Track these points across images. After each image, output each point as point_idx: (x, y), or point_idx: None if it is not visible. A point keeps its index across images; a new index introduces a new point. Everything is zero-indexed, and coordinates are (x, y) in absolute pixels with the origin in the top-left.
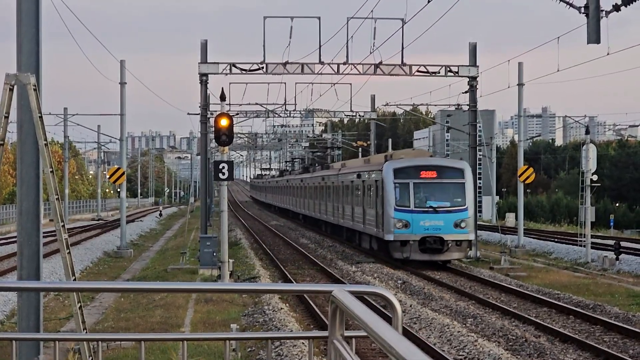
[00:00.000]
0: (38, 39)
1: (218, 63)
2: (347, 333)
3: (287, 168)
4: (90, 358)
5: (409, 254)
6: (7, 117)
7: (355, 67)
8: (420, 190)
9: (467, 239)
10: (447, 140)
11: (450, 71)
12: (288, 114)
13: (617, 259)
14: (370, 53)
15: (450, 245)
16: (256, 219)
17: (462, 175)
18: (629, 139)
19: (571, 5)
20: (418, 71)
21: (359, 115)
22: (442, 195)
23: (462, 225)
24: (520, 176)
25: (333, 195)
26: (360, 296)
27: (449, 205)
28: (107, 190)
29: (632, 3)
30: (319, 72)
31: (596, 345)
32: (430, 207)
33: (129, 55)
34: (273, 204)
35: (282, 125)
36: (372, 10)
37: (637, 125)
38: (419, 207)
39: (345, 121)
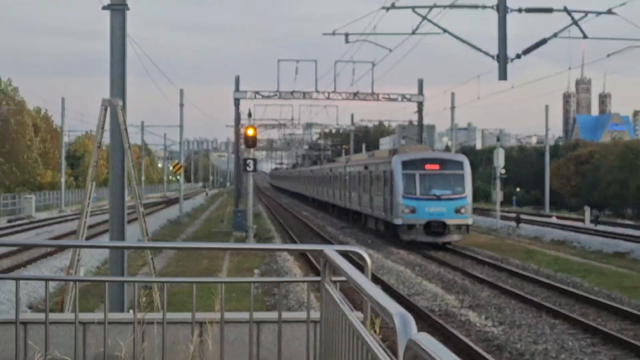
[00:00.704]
0: (124, 74)
1: (246, 91)
2: (333, 278)
3: (298, 162)
4: (158, 293)
5: (415, 236)
6: (103, 128)
7: (340, 94)
8: (425, 179)
9: (466, 223)
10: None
11: (405, 98)
12: (294, 126)
13: (517, 226)
14: (351, 85)
15: (451, 228)
16: (272, 199)
17: (462, 167)
18: (526, 145)
19: (487, 54)
20: (383, 97)
21: (343, 128)
22: (444, 184)
23: (462, 211)
24: None
25: (340, 184)
26: (342, 251)
27: (450, 193)
28: (170, 177)
29: (529, 53)
30: (315, 97)
31: (502, 286)
32: (434, 195)
33: (185, 84)
34: (288, 189)
35: (290, 134)
36: (352, 56)
37: (531, 136)
38: (424, 194)
39: (333, 131)
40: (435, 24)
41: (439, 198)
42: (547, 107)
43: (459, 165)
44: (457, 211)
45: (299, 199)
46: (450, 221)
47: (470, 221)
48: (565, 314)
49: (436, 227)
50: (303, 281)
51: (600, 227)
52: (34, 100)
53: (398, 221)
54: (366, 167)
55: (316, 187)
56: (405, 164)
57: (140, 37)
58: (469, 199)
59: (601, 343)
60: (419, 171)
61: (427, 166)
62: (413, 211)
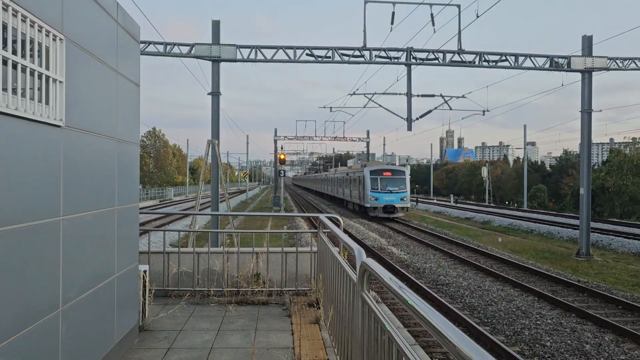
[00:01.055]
0: (218, 127)
1: (280, 136)
2: (324, 230)
3: (306, 172)
4: (235, 240)
5: (377, 213)
6: (207, 154)
7: (327, 137)
8: (383, 181)
9: (407, 206)
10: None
11: (360, 139)
12: (304, 153)
13: (416, 204)
14: (333, 133)
15: (398, 209)
16: (293, 191)
17: (404, 174)
18: (421, 163)
19: (401, 117)
20: (349, 139)
21: (329, 155)
22: (394, 184)
23: (404, 199)
24: None
25: (331, 183)
26: (329, 217)
27: (397, 189)
28: (241, 179)
29: (422, 117)
30: (315, 139)
31: (409, 234)
32: (388, 190)
33: (249, 132)
34: (302, 186)
35: (302, 157)
36: (333, 119)
37: (424, 159)
38: (382, 189)
39: (324, 156)
40: (375, 102)
41: (391, 192)
42: (431, 144)
43: (403, 172)
44: (402, 199)
45: (307, 191)
46: (397, 205)
47: (409, 205)
48: (440, 248)
49: (390, 208)
50: (308, 232)
51: (458, 205)
52: (173, 140)
53: (367, 205)
54: (347, 174)
55: (316, 184)
56: (372, 172)
57: (227, 107)
58: (408, 192)
59: (459, 263)
60: (379, 176)
61: (384, 173)
62: (376, 199)
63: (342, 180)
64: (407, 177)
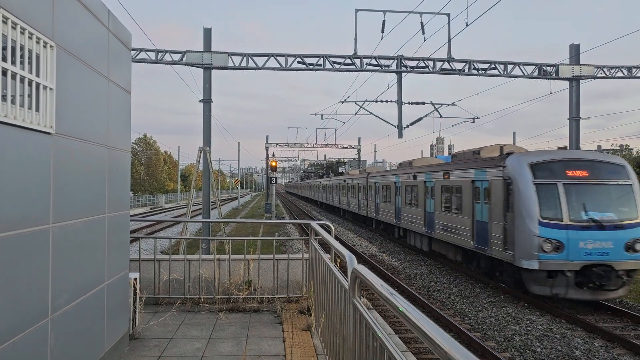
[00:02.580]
0: (209, 134)
1: (271, 143)
2: (315, 237)
3: (300, 179)
4: (228, 246)
5: (563, 290)
6: (199, 161)
7: (319, 145)
8: (573, 193)
9: None
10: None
11: (352, 146)
12: (296, 160)
13: None
14: (324, 140)
15: (622, 276)
16: (285, 197)
17: (627, 175)
18: None
19: (392, 124)
20: (340, 146)
21: (320, 162)
22: (605, 201)
23: (638, 247)
24: None
25: (357, 193)
26: (320, 224)
27: (615, 216)
28: (232, 186)
29: (413, 124)
30: (306, 146)
31: (399, 241)
32: (591, 218)
33: (241, 138)
34: (297, 194)
35: (294, 164)
36: (324, 126)
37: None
38: (575, 219)
39: (315, 163)
40: (366, 109)
41: (601, 224)
42: (422, 151)
43: (622, 171)
44: (631, 247)
45: (298, 198)
46: (620, 264)
47: None
48: (431, 255)
49: (600, 275)
50: (300, 239)
51: None
52: (164, 147)
53: (532, 264)
54: (415, 177)
55: (323, 194)
56: (536, 167)
57: (218, 114)
58: None
59: (449, 269)
60: (562, 180)
61: (571, 172)
62: (558, 247)
63: (400, 189)
64: (636, 183)
